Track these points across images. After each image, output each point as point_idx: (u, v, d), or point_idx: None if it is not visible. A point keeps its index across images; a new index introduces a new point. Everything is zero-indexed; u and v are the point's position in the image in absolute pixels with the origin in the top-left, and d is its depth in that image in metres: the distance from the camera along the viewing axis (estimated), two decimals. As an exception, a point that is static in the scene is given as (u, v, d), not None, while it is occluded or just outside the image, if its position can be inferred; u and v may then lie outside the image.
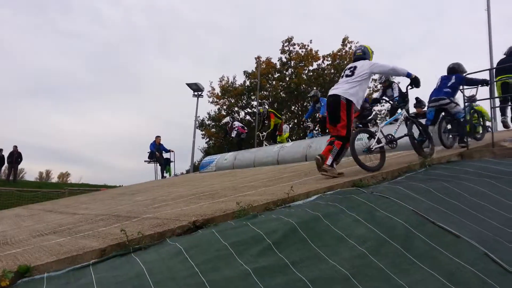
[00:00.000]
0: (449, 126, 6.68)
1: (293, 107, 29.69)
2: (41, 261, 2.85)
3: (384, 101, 8.41)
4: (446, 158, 5.53)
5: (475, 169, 4.71)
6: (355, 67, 5.28)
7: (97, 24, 76.28)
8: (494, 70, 8.34)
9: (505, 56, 8.81)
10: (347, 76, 5.28)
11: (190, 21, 65.66)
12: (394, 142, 5.54)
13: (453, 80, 6.71)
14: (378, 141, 5.28)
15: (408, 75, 5.23)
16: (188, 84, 19.30)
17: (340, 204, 3.48)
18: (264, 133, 14.48)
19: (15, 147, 19.20)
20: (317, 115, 12.18)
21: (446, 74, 7.04)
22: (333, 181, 4.73)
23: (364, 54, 5.48)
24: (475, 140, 6.91)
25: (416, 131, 5.91)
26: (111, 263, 2.81)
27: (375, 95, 13.62)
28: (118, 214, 5.12)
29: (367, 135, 5.42)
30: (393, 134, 5.56)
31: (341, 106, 5.07)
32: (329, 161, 5.09)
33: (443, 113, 6.64)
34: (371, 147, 5.19)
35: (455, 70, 7.04)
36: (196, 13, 66.03)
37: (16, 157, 19.15)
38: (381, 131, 5.39)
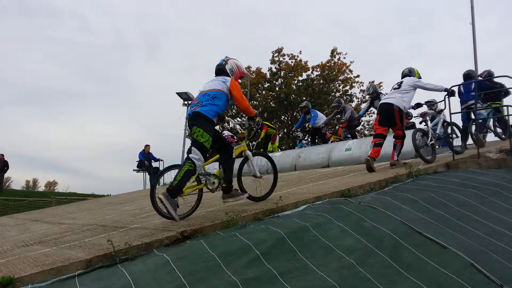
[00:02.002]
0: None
1: (283, 116, 29.73)
2: (25, 272, 2.80)
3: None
4: (433, 168, 5.60)
5: (461, 180, 4.77)
6: (402, 82, 6.47)
7: (85, 31, 75.91)
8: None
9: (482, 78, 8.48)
10: (395, 89, 6.45)
11: (179, 30, 65.87)
12: (440, 140, 6.92)
13: (473, 86, 7.72)
14: (431, 139, 6.44)
15: (446, 90, 6.36)
16: (178, 93, 19.25)
17: (329, 214, 3.49)
18: (254, 143, 14.47)
19: (2, 155, 18.87)
20: (307, 125, 12.24)
21: (463, 80, 8.09)
22: (321, 191, 4.74)
23: (410, 72, 6.69)
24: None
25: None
26: (97, 274, 2.77)
27: (363, 105, 13.75)
28: (105, 224, 5.06)
29: (421, 134, 6.47)
30: (439, 134, 6.87)
31: (395, 113, 6.18)
32: (394, 157, 6.28)
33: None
34: (427, 143, 6.38)
35: (470, 76, 8.16)
36: (185, 22, 66.37)
37: (2, 165, 18.81)
38: (431, 131, 6.55)
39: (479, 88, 7.62)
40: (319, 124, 11.60)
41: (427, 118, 10.30)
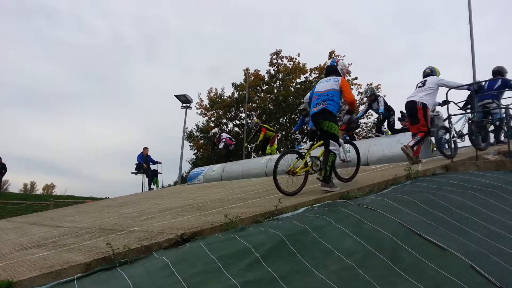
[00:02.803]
0: (491, 127, 7.97)
1: (281, 119, 29.76)
2: (24, 275, 2.79)
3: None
4: (431, 170, 5.61)
5: (460, 182, 4.78)
6: (425, 81, 6.84)
7: (84, 32, 75.74)
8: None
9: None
10: (419, 87, 6.82)
11: (179, 32, 65.83)
12: (463, 137, 7.30)
13: (499, 83, 7.76)
14: (453, 136, 6.75)
15: (469, 88, 6.85)
16: (177, 96, 19.28)
17: (328, 216, 3.50)
18: (253, 145, 14.48)
19: (-1, 158, 18.83)
20: (305, 127, 12.27)
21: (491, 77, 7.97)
22: (320, 193, 4.75)
23: (431, 72, 7.06)
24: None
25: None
26: (96, 277, 2.77)
27: (361, 107, 13.79)
28: (104, 227, 5.05)
29: (444, 131, 6.88)
30: (462, 131, 7.29)
31: (418, 110, 6.55)
32: (411, 143, 6.58)
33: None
34: (448, 139, 6.78)
35: (500, 73, 8.00)
36: (185, 24, 66.29)
37: (0, 168, 18.76)
38: (454, 128, 6.90)
39: (504, 87, 7.68)
40: (318, 127, 11.61)
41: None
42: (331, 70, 5.37)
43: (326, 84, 5.18)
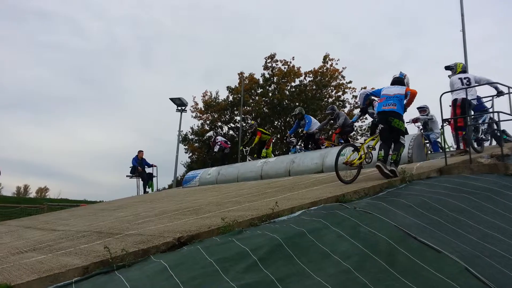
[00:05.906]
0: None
1: (276, 122, 29.83)
2: (21, 279, 2.79)
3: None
4: (426, 174, 5.66)
5: (454, 185, 4.83)
6: (469, 78, 7.35)
7: (78, 36, 75.27)
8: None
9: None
10: (466, 84, 7.27)
11: (173, 36, 65.70)
12: (487, 134, 8.08)
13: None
14: (480, 133, 7.45)
15: (496, 88, 7.27)
16: (172, 99, 19.22)
17: (325, 219, 3.52)
18: (248, 148, 14.48)
19: (-8, 161, 18.68)
20: (300, 130, 12.31)
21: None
22: (316, 196, 4.78)
23: (466, 68, 7.82)
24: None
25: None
26: (95, 281, 2.78)
27: (356, 111, 13.87)
28: (100, 230, 5.04)
29: (473, 128, 7.31)
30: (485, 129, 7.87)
31: (467, 107, 7.05)
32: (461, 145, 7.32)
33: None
34: (479, 137, 7.41)
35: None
36: (179, 27, 66.18)
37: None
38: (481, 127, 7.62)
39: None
40: (313, 130, 11.66)
41: (419, 123, 10.41)
42: (398, 80, 6.19)
43: (395, 89, 6.01)
